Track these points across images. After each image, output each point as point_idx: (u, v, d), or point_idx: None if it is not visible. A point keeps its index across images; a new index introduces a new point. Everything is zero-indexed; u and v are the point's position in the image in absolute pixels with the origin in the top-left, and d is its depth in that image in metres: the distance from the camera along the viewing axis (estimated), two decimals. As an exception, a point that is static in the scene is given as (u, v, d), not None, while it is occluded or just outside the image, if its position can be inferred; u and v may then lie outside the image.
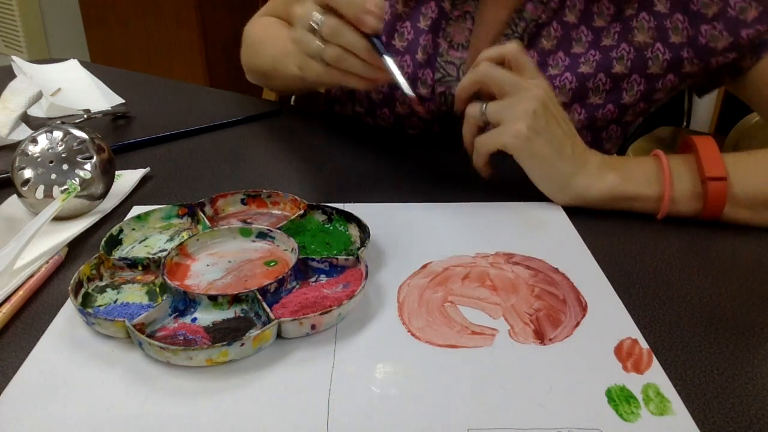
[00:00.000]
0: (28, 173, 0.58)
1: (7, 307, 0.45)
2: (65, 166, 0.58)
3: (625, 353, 0.42)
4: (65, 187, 0.57)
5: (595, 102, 0.69)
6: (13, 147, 0.66)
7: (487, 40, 0.72)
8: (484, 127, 0.60)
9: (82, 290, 0.47)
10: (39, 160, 0.58)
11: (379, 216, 0.58)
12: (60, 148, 0.59)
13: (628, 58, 0.67)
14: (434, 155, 0.74)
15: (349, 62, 0.54)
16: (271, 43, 0.80)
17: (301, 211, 0.56)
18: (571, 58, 0.68)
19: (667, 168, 0.57)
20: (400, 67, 0.75)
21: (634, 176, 0.59)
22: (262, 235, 0.53)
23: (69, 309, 0.46)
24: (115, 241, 0.53)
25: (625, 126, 0.75)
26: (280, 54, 0.75)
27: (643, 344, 0.43)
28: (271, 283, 0.46)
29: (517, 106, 0.57)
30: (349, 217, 0.55)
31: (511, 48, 0.58)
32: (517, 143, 0.57)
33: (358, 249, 0.51)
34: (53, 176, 0.58)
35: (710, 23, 0.64)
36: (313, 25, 0.53)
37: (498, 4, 0.71)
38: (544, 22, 0.69)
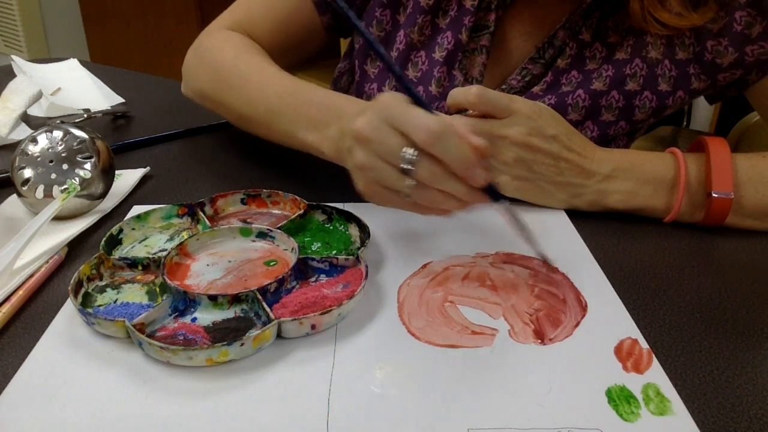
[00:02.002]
0: (28, 173, 0.58)
1: (7, 307, 0.45)
2: (65, 166, 0.58)
3: (625, 353, 0.42)
4: (65, 186, 0.57)
5: (607, 119, 0.68)
6: (13, 146, 0.66)
7: (505, 72, 0.71)
8: None
9: (82, 290, 0.47)
10: (39, 159, 0.58)
11: (379, 216, 0.58)
12: (60, 148, 0.59)
13: (640, 74, 0.66)
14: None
15: (447, 204, 0.47)
16: (260, 87, 0.63)
17: (301, 211, 0.56)
18: (584, 75, 0.67)
19: (683, 183, 0.57)
20: None
21: (644, 186, 0.58)
22: (262, 235, 0.53)
23: (69, 309, 0.46)
24: (115, 241, 0.53)
25: (632, 135, 0.74)
26: (285, 112, 0.60)
27: (643, 344, 0.43)
28: (271, 283, 0.46)
29: (497, 156, 0.56)
30: (349, 217, 0.55)
31: (472, 94, 0.53)
32: (505, 191, 0.58)
33: (358, 249, 0.51)
34: (53, 176, 0.58)
35: (716, 39, 0.64)
36: (404, 165, 0.44)
37: (523, 35, 0.70)
38: (565, 44, 0.68)
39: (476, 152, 0.45)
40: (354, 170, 0.49)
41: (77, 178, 0.58)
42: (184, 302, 0.45)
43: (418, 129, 0.44)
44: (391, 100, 0.46)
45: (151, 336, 0.42)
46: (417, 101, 0.46)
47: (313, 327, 0.43)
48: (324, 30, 0.75)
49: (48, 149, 0.59)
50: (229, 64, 0.67)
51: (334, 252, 0.52)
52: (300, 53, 0.78)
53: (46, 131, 0.59)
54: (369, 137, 0.46)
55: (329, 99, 0.58)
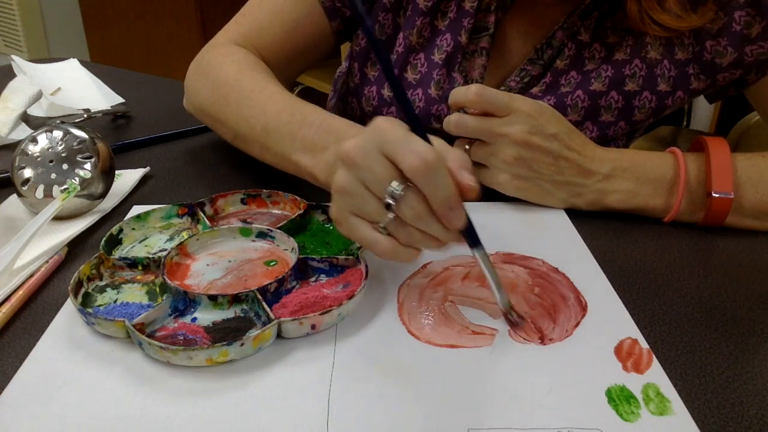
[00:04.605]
0: (28, 173, 0.58)
1: (7, 307, 0.45)
2: (65, 166, 0.58)
3: (625, 353, 0.42)
4: (65, 186, 0.57)
5: (607, 119, 0.68)
6: (13, 146, 0.66)
7: (505, 74, 0.71)
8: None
9: (82, 290, 0.47)
10: (39, 159, 0.58)
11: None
12: (60, 148, 0.59)
13: (640, 75, 0.66)
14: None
15: (424, 243, 0.44)
16: (260, 105, 0.61)
17: (301, 211, 0.56)
18: (583, 75, 0.67)
19: (683, 183, 0.57)
20: (412, 102, 0.71)
21: (644, 186, 0.58)
22: (262, 235, 0.53)
23: (69, 309, 0.46)
24: (115, 241, 0.53)
25: (631, 135, 0.74)
26: (282, 132, 0.58)
27: (643, 344, 0.43)
28: (271, 283, 0.46)
29: (497, 155, 0.56)
30: (349, 217, 0.55)
31: (471, 92, 0.54)
32: (505, 190, 0.58)
33: (358, 249, 0.51)
34: (53, 176, 0.58)
35: (715, 39, 0.64)
36: (387, 198, 0.41)
37: (522, 36, 0.70)
38: (564, 44, 0.68)
39: (462, 191, 0.42)
40: (333, 193, 0.45)
41: (77, 178, 0.58)
42: (184, 302, 0.45)
43: (411, 153, 0.40)
44: (388, 126, 0.42)
45: (151, 336, 0.42)
46: (414, 124, 0.43)
47: (313, 327, 0.43)
48: (333, 35, 0.74)
49: (48, 149, 0.59)
50: (231, 80, 0.65)
51: (334, 252, 0.52)
52: (308, 60, 0.76)
53: (46, 131, 0.59)
54: (356, 161, 0.42)
55: (329, 122, 0.55)
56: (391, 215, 0.42)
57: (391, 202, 0.41)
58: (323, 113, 0.57)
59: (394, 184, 0.41)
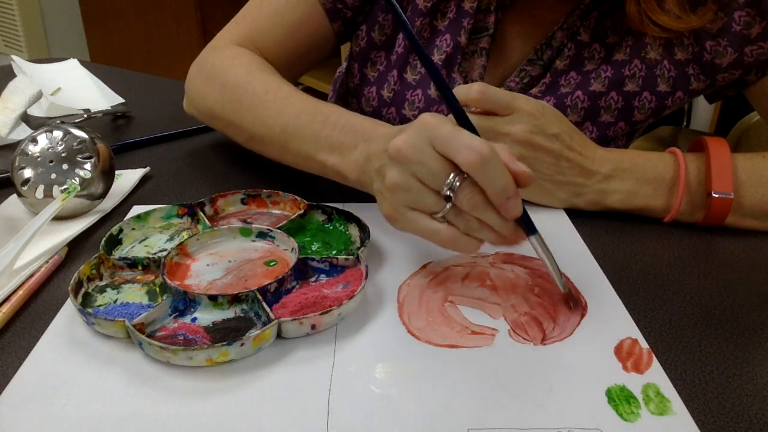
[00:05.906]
0: (28, 173, 0.58)
1: (7, 307, 0.45)
2: (65, 166, 0.58)
3: (625, 353, 0.42)
4: (65, 186, 0.57)
5: (606, 120, 0.68)
6: (13, 146, 0.66)
7: (505, 74, 0.71)
8: None
9: (82, 290, 0.47)
10: (39, 159, 0.58)
11: (379, 216, 0.58)
12: (60, 148, 0.59)
13: (639, 75, 0.66)
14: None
15: (482, 233, 0.45)
16: (277, 107, 0.60)
17: (301, 211, 0.56)
18: (582, 76, 0.67)
19: (683, 183, 0.57)
20: (411, 102, 0.71)
21: (644, 186, 0.58)
22: (262, 235, 0.53)
23: (69, 309, 0.46)
24: (114, 241, 0.53)
25: (631, 136, 0.74)
26: (304, 133, 0.58)
27: (643, 344, 0.43)
28: (271, 283, 0.46)
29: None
30: (349, 217, 0.55)
31: (474, 90, 0.54)
32: None
33: (358, 249, 0.51)
34: (53, 176, 0.58)
35: (715, 39, 0.64)
36: (446, 190, 0.43)
37: (522, 37, 0.70)
38: (563, 44, 0.68)
39: (518, 179, 0.43)
40: (383, 191, 0.46)
41: (77, 178, 0.58)
42: (184, 302, 0.45)
43: (467, 150, 0.41)
44: (435, 122, 0.43)
45: (151, 336, 0.42)
46: (461, 120, 0.44)
47: (313, 327, 0.43)
48: (334, 36, 0.74)
49: (48, 149, 0.59)
50: (242, 83, 0.64)
51: (334, 252, 0.52)
52: (308, 61, 0.76)
53: (46, 131, 0.59)
54: (408, 157, 0.44)
55: (354, 121, 0.55)
56: (449, 205, 0.44)
57: (449, 194, 0.43)
58: (344, 112, 0.57)
59: (452, 177, 0.43)
